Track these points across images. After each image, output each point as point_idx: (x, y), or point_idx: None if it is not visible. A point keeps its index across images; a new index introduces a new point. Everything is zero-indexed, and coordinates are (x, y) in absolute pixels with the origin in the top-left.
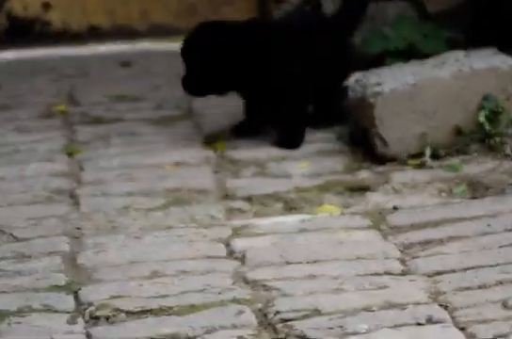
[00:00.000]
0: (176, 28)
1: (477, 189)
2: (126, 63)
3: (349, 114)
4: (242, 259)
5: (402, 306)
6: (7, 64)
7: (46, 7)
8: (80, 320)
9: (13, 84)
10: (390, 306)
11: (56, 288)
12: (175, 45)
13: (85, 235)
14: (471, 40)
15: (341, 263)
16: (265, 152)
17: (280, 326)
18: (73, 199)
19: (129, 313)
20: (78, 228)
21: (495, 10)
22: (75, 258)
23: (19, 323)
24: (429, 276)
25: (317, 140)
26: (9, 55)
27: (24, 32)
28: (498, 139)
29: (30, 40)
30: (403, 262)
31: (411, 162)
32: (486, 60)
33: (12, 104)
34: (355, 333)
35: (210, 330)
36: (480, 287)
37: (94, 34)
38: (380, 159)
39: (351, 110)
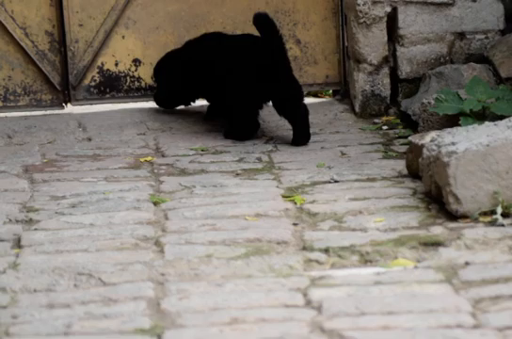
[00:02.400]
0: None
1: None
2: (208, 118)
3: (423, 172)
4: (319, 308)
5: None
6: (98, 117)
7: (136, 63)
8: None
9: (103, 136)
10: None
11: (141, 332)
12: None
13: (169, 282)
14: None
15: (414, 315)
16: (342, 206)
17: None
18: (158, 246)
19: None
20: (162, 274)
21: None
22: (159, 303)
23: None
24: (500, 330)
25: (392, 195)
26: (100, 108)
27: (114, 86)
28: None
29: (120, 94)
30: (474, 316)
31: (483, 219)
32: None
33: (102, 155)
34: None
35: None
36: None
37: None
38: (453, 216)
39: (426, 168)
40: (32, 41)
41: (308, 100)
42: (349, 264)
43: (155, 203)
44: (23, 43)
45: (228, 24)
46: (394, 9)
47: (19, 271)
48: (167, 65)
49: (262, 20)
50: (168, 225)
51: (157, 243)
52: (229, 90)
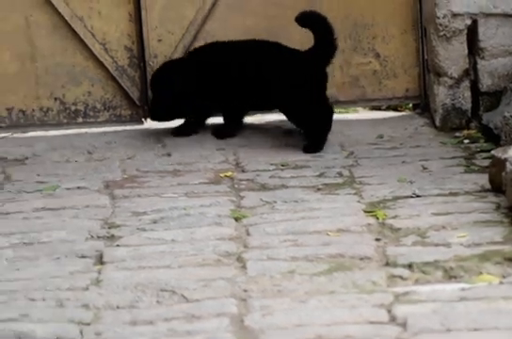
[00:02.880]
0: (338, 100)
1: None
2: (287, 132)
3: (507, 186)
4: (404, 325)
5: None
6: None
7: None
8: None
9: (183, 151)
10: None
11: None
12: (338, 115)
13: (252, 298)
14: None
15: (501, 332)
16: (425, 220)
17: None
18: (241, 262)
19: None
20: (245, 290)
21: None
22: (243, 320)
23: None
24: None
25: (475, 210)
26: (178, 123)
27: None
28: None
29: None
30: None
31: None
32: None
33: (182, 171)
34: None
35: None
36: None
37: None
38: None
39: (509, 182)
40: (111, 57)
41: (387, 114)
42: (433, 279)
43: (236, 219)
44: (102, 59)
45: (305, 39)
46: (475, 22)
47: (101, 288)
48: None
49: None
50: (250, 241)
51: (239, 259)
52: (298, 103)
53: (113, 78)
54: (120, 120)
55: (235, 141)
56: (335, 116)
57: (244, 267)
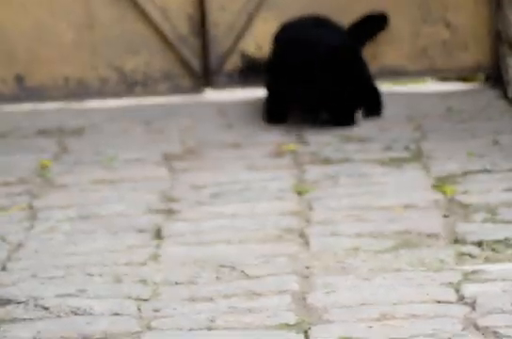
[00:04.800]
0: (407, 71)
1: None
2: None
3: None
4: (472, 305)
5: None
6: (238, 103)
7: None
8: None
9: (244, 123)
10: None
11: (287, 327)
12: (406, 88)
13: (314, 275)
14: None
15: None
16: (496, 196)
17: None
18: (303, 238)
19: None
20: (307, 267)
21: None
22: (305, 297)
23: None
24: None
25: None
26: (241, 94)
27: (256, 71)
28: None
29: (261, 79)
30: None
31: None
32: None
33: (243, 143)
34: None
35: None
36: None
37: None
38: None
39: None
40: (172, 25)
41: (457, 85)
42: (504, 258)
43: (299, 193)
44: (162, 27)
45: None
46: None
47: (160, 263)
48: None
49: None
50: (313, 216)
51: (301, 235)
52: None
53: (173, 47)
54: (179, 90)
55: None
56: (402, 88)
57: (306, 243)
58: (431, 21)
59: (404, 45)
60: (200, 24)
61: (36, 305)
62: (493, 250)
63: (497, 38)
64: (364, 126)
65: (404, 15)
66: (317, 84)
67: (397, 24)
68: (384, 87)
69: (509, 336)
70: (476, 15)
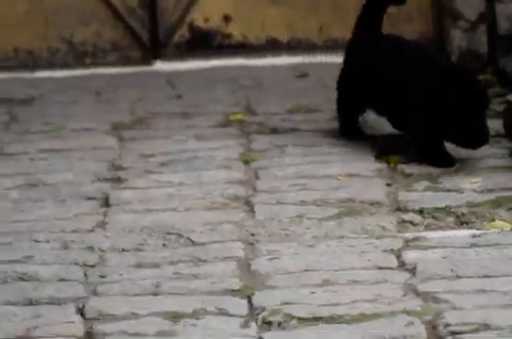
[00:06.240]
0: None
1: None
2: (302, 75)
3: None
4: (413, 271)
5: None
6: (187, 74)
7: (227, 19)
8: (253, 325)
9: (193, 93)
10: None
11: (231, 292)
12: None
13: (259, 242)
14: None
15: (511, 278)
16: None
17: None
18: (249, 206)
19: (301, 319)
20: (253, 234)
21: None
22: (250, 264)
23: (193, 325)
24: None
25: (490, 156)
26: (190, 65)
27: (204, 43)
28: None
29: (210, 51)
30: None
31: None
32: None
33: (192, 113)
34: None
35: None
36: None
37: (272, 47)
38: None
39: None
40: None
41: None
42: (444, 225)
43: (246, 162)
44: None
45: None
46: None
47: (107, 230)
48: None
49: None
50: (259, 184)
51: (247, 203)
52: None
53: (122, 19)
54: (129, 61)
55: (247, 83)
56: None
57: (252, 211)
58: None
59: (349, 18)
60: None
61: None
62: (434, 217)
63: (441, 10)
64: (313, 96)
65: None
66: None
67: None
68: (329, 58)
69: (447, 300)
70: None
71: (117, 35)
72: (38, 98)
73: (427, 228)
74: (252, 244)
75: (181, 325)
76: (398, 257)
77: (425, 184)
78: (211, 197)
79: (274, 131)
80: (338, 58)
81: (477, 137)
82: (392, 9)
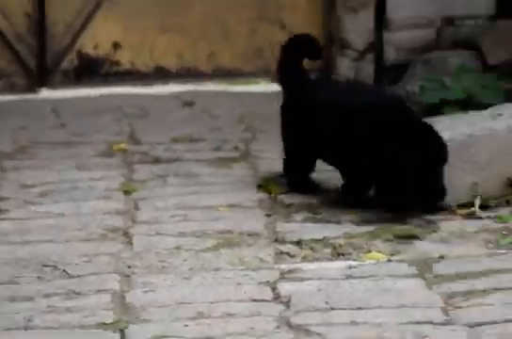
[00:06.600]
0: (242, 71)
1: None
2: (189, 104)
3: None
4: (287, 303)
5: None
6: (73, 102)
7: (116, 46)
8: None
9: (78, 122)
10: None
11: (103, 326)
12: (239, 87)
13: (135, 274)
14: None
15: (384, 310)
16: (318, 197)
17: None
18: (127, 237)
19: None
20: (129, 266)
21: None
22: (124, 296)
23: None
24: (470, 326)
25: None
26: (77, 93)
27: (92, 71)
28: None
29: (98, 78)
30: (445, 311)
31: (460, 212)
32: None
33: (75, 142)
34: None
35: None
36: None
37: (161, 75)
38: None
39: None
40: (10, 23)
41: None
42: (321, 257)
43: (126, 193)
44: (0, 25)
45: (209, 9)
46: None
47: None
48: None
49: None
50: (138, 215)
51: (126, 234)
52: None
53: (10, 45)
54: (14, 88)
55: (133, 112)
56: (236, 88)
57: (130, 243)
58: (267, 22)
59: (239, 45)
60: (39, 22)
61: None
62: (311, 248)
63: (330, 39)
64: (198, 125)
65: (239, 15)
66: None
67: (233, 24)
68: (218, 87)
69: (320, 334)
70: (310, 16)
71: (3, 61)
72: None
73: (304, 259)
74: (128, 276)
75: None
76: (274, 289)
77: (305, 214)
78: (89, 228)
79: (157, 161)
80: (225, 87)
81: (435, 195)
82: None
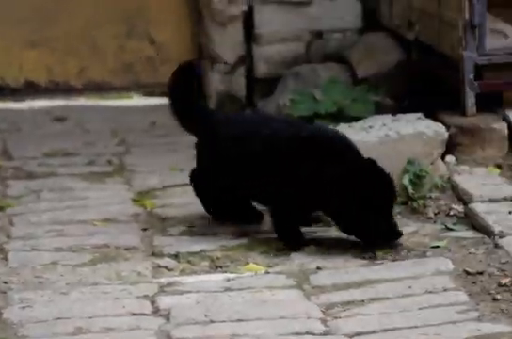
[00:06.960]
0: (113, 85)
1: (399, 252)
2: (60, 118)
3: None
4: (167, 316)
5: None
6: None
7: None
8: None
9: None
10: None
11: None
12: (112, 102)
13: (12, 290)
14: (399, 105)
15: (263, 322)
16: (193, 210)
17: None
18: (2, 253)
19: None
20: (5, 282)
21: (424, 77)
22: (1, 313)
23: None
24: (350, 337)
25: None
26: None
27: None
28: (421, 202)
29: None
30: (324, 322)
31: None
32: (412, 125)
33: None
34: None
35: None
36: None
37: (31, 90)
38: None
39: None
40: None
41: (162, 100)
42: (199, 270)
43: (0, 209)
44: None
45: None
46: (251, 8)
47: None
48: None
49: None
50: (13, 231)
51: (1, 250)
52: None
53: None
54: None
55: (4, 127)
56: (108, 102)
57: (5, 259)
58: (136, 36)
59: (109, 60)
60: None
61: None
62: (189, 262)
63: (201, 53)
64: (70, 140)
65: (108, 30)
66: None
67: (102, 38)
68: (90, 101)
69: None
70: (180, 31)
71: None
72: None
73: (182, 273)
74: (5, 292)
75: None
76: (153, 303)
77: (181, 228)
78: None
79: (30, 176)
80: (97, 101)
81: (389, 233)
82: (151, 52)
